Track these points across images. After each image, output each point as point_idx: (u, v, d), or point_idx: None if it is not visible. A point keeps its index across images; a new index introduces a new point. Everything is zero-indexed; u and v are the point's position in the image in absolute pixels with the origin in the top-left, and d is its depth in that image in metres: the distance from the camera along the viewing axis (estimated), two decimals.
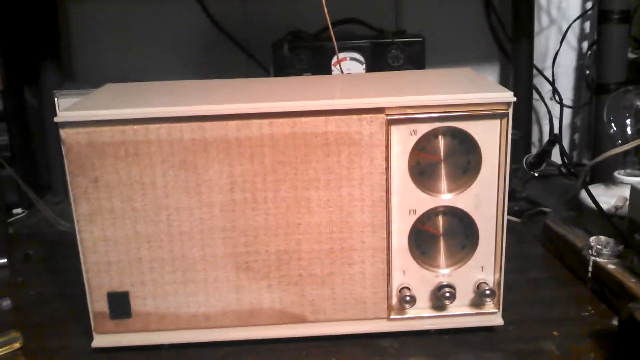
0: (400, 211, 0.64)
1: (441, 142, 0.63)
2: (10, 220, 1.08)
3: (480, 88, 0.64)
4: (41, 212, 1.02)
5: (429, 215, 0.65)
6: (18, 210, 1.13)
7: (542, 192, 1.07)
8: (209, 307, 0.67)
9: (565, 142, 1.28)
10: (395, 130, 0.62)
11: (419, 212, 0.64)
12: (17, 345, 0.70)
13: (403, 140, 0.62)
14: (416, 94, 0.62)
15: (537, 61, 1.21)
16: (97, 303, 0.66)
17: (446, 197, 0.64)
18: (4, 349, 0.68)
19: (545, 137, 1.29)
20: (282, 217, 0.64)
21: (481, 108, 0.61)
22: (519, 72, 1.17)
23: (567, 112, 1.27)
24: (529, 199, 0.99)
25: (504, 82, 1.25)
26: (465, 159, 0.63)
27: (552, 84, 1.21)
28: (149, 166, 0.62)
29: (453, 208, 0.64)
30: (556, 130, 1.23)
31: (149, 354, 0.67)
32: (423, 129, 0.62)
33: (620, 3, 0.98)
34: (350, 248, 0.65)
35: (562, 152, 0.95)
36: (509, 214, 0.94)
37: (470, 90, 0.63)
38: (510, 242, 0.89)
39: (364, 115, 0.61)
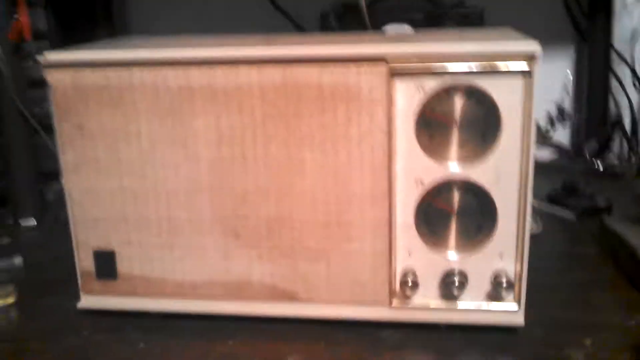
0: (406, 180, 0.56)
1: (454, 101, 0.54)
2: (56, 188, 1.09)
3: (503, 39, 0.55)
4: None
5: (440, 188, 0.56)
6: None
7: (614, 191, 0.93)
8: (196, 275, 0.61)
9: None
10: (399, 84, 0.54)
11: (428, 183, 0.56)
12: (10, 300, 0.68)
13: (409, 96, 0.54)
14: (426, 43, 0.54)
15: (619, 43, 1.07)
16: (84, 261, 0.63)
17: (459, 168, 0.55)
18: None
19: None
20: (273, 178, 0.58)
21: (498, 60, 0.51)
22: (594, 53, 1.03)
23: None
24: (593, 195, 0.86)
25: (578, 64, 1.11)
26: (482, 123, 0.54)
27: (633, 68, 1.06)
28: (134, 114, 0.58)
29: (467, 181, 0.55)
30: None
31: (132, 320, 0.63)
32: (432, 84, 0.53)
33: None
34: (348, 220, 0.57)
35: (626, 137, 0.81)
36: (568, 210, 0.83)
37: (489, 40, 0.54)
38: (563, 241, 0.78)
39: (362, 65, 0.53)
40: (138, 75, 0.57)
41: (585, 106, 1.05)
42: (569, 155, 0.87)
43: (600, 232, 0.75)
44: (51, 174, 1.11)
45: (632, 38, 1.07)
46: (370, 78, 0.53)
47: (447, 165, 0.55)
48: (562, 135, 1.10)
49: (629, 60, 1.07)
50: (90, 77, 0.57)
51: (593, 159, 0.80)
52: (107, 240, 0.62)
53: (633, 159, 0.98)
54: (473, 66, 0.52)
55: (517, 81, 0.52)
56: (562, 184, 0.88)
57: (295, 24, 1.14)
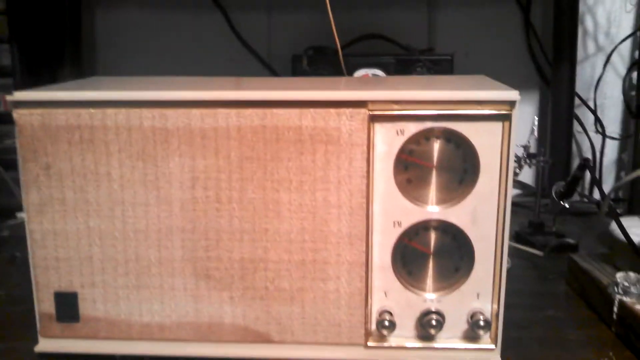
0: (383, 222, 0.56)
1: (433, 145, 0.54)
2: (12, 223, 1.05)
3: (481, 86, 0.56)
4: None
5: (417, 230, 0.56)
6: (23, 215, 1.09)
7: (580, 229, 0.95)
8: (164, 317, 0.59)
9: (610, 179, 1.16)
10: (379, 128, 0.54)
11: (405, 225, 0.56)
12: None
13: (388, 140, 0.54)
14: (406, 89, 0.54)
15: (581, 90, 1.11)
16: (43, 303, 0.60)
17: (437, 210, 0.55)
18: None
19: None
20: (248, 220, 0.56)
21: (479, 107, 0.52)
22: (558, 98, 1.07)
23: (614, 147, 1.15)
24: (560, 233, 0.88)
25: (543, 109, 1.14)
26: (460, 166, 0.54)
27: (594, 112, 1.10)
28: (105, 155, 0.56)
29: (445, 223, 0.55)
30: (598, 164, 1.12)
31: None
32: (411, 128, 0.54)
33: None
34: (324, 261, 0.57)
35: (593, 179, 0.84)
36: (535, 248, 0.84)
37: (469, 87, 0.55)
38: (533, 278, 0.79)
39: (343, 109, 0.53)
40: (112, 115, 0.55)
41: (550, 148, 1.08)
42: (535, 194, 0.89)
43: (569, 269, 0.76)
44: (7, 209, 1.07)
45: (594, 85, 1.12)
46: (350, 122, 0.53)
47: (425, 207, 0.55)
48: (527, 175, 1.13)
49: (591, 105, 1.11)
50: (61, 117, 0.55)
51: (559, 198, 0.81)
52: (69, 281, 0.59)
53: (598, 198, 1.01)
54: (453, 111, 0.52)
55: (496, 126, 0.53)
56: (529, 222, 0.90)
57: (267, 66, 1.15)
